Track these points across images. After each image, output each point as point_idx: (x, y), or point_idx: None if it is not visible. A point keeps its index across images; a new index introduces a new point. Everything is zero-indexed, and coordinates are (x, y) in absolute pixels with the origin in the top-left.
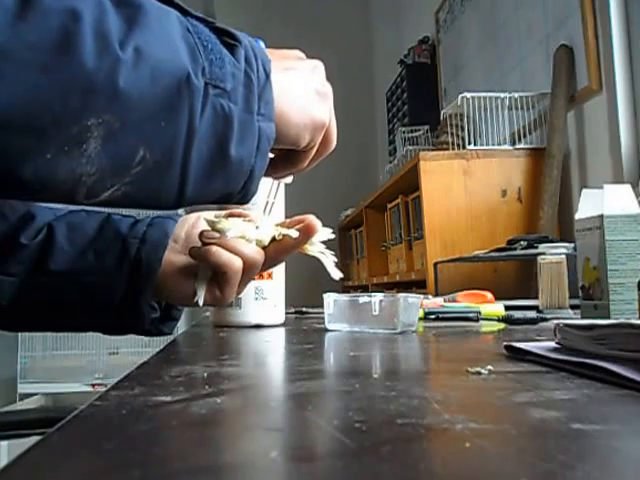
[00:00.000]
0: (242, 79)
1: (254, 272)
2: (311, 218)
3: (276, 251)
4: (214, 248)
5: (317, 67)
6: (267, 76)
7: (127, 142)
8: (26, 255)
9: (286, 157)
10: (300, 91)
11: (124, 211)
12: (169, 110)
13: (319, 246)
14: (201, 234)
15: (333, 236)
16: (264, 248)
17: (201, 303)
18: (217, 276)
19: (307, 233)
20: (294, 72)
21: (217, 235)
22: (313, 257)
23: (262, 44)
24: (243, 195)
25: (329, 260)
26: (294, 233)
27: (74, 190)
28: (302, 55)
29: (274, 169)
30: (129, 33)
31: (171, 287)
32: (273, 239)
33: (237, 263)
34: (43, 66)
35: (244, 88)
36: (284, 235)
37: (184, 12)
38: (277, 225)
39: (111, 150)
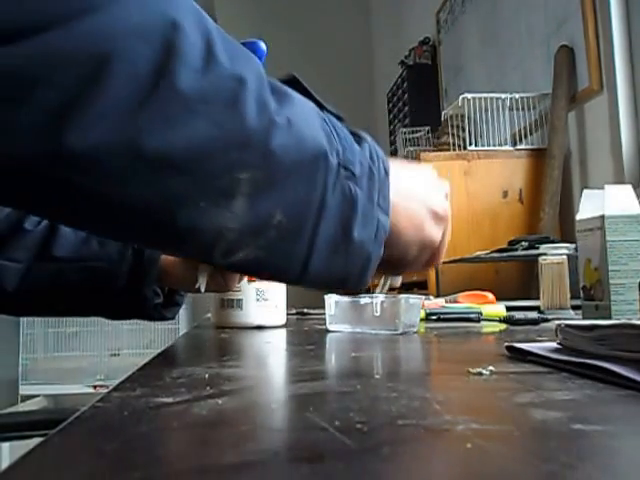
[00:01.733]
0: (367, 169)
1: None
2: None
3: None
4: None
5: (441, 187)
6: (386, 174)
7: (268, 203)
8: (30, 241)
9: (389, 262)
10: (418, 204)
11: None
12: (307, 180)
13: None
14: None
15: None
16: None
17: (203, 290)
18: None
19: None
20: (417, 184)
21: None
22: None
23: (262, 45)
24: (358, 281)
25: None
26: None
27: (214, 244)
28: (433, 173)
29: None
30: (281, 106)
31: (174, 273)
32: None
33: None
34: (215, 119)
35: (368, 178)
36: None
37: (321, 106)
38: None
39: (254, 209)
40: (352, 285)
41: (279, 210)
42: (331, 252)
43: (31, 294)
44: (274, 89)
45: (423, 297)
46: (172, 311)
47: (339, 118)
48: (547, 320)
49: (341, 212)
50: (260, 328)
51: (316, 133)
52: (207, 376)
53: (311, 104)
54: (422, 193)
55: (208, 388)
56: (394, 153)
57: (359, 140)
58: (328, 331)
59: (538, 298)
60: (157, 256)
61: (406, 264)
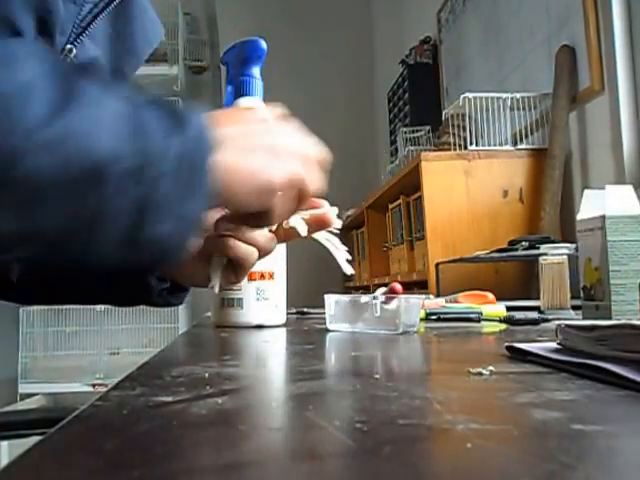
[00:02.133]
0: (175, 164)
1: (265, 257)
2: (328, 211)
3: (284, 236)
4: (232, 241)
5: (282, 125)
6: (204, 163)
7: (25, 220)
8: None
9: (256, 215)
10: (251, 154)
11: None
12: (73, 195)
13: (329, 236)
14: (217, 224)
15: (339, 224)
16: (271, 231)
17: (217, 291)
18: (231, 262)
19: (319, 226)
20: (250, 133)
21: (232, 225)
22: (322, 245)
23: (263, 43)
24: (153, 269)
25: (340, 253)
26: (302, 229)
27: None
28: (272, 113)
29: (246, 222)
30: (58, 116)
31: (183, 270)
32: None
33: (254, 255)
34: None
35: (177, 172)
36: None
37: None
38: None
39: (12, 222)
40: (150, 272)
41: (39, 226)
42: (116, 250)
43: (35, 283)
44: (62, 91)
45: (423, 297)
46: (179, 297)
47: (161, 103)
48: (547, 320)
49: (126, 216)
50: (260, 327)
51: (99, 142)
52: (207, 375)
53: (112, 100)
54: (255, 140)
55: (208, 387)
56: (394, 152)
57: (181, 126)
58: (328, 330)
59: (538, 298)
60: None
61: (266, 213)
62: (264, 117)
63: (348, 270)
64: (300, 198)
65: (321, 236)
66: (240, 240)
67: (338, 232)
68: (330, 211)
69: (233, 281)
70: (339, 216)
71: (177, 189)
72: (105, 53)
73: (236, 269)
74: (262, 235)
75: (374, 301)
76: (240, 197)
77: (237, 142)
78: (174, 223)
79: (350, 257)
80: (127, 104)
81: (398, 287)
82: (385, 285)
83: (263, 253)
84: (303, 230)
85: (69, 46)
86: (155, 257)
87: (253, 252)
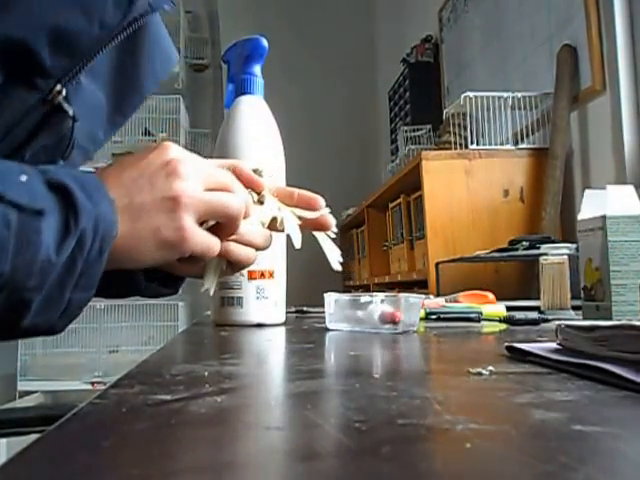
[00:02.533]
0: (58, 269)
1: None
2: (326, 214)
3: (276, 230)
4: (232, 246)
5: (172, 175)
6: (101, 253)
7: None
8: None
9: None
10: (140, 229)
11: None
12: None
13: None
14: (211, 230)
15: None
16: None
17: (211, 293)
18: (230, 263)
19: (317, 229)
20: (134, 200)
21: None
22: (316, 240)
23: (264, 42)
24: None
25: (331, 248)
26: (296, 236)
27: None
28: (163, 155)
29: (181, 270)
30: None
31: (176, 262)
32: (274, 219)
33: (253, 256)
34: None
35: (60, 274)
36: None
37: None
38: (282, 202)
39: None
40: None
41: None
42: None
43: None
44: None
45: (423, 296)
46: (174, 286)
47: (59, 189)
48: (547, 320)
49: (6, 314)
50: (260, 326)
51: None
52: (206, 374)
53: None
54: (148, 198)
55: (207, 386)
56: (395, 151)
57: (75, 216)
58: (327, 329)
59: (538, 298)
60: None
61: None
62: (163, 159)
63: (336, 265)
64: (223, 228)
65: (318, 234)
66: (239, 242)
67: (335, 236)
68: (328, 215)
69: (227, 274)
70: (337, 215)
71: (61, 286)
72: (105, 87)
73: (234, 268)
74: (260, 235)
75: (374, 300)
76: (142, 260)
77: (125, 210)
78: (59, 308)
79: (341, 259)
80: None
81: (400, 315)
82: (386, 285)
83: (260, 251)
84: (297, 241)
85: (58, 87)
86: (37, 335)
87: (252, 253)
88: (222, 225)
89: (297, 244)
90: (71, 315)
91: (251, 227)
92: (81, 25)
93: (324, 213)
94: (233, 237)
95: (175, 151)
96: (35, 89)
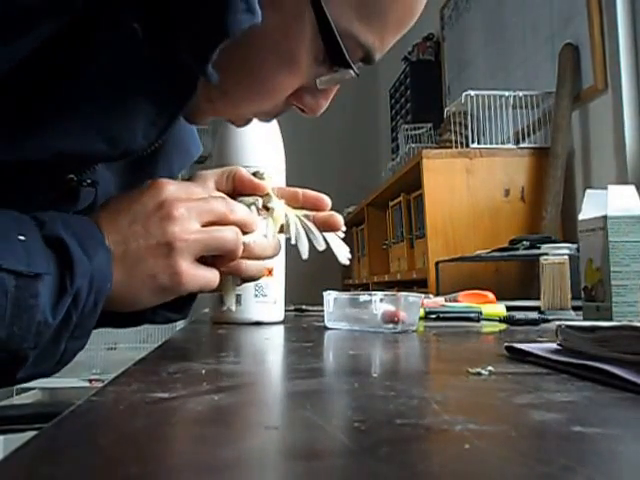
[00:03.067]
0: (55, 325)
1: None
2: (334, 214)
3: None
4: (244, 264)
5: (166, 219)
6: (95, 305)
7: None
8: None
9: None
10: (137, 276)
11: None
12: None
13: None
14: None
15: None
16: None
17: (234, 309)
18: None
19: (325, 228)
20: (129, 246)
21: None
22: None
23: None
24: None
25: (340, 245)
26: (303, 245)
27: None
28: (159, 195)
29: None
30: None
31: None
32: (281, 226)
33: (264, 269)
34: None
35: (55, 330)
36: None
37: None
38: (288, 205)
39: None
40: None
41: None
42: None
43: None
44: None
45: (423, 296)
46: (183, 310)
47: (56, 248)
48: (547, 321)
49: (1, 368)
50: (258, 324)
51: None
52: (204, 372)
53: None
54: (143, 243)
55: (205, 384)
56: (396, 150)
57: (71, 275)
58: (326, 328)
59: (539, 298)
60: None
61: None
62: (156, 201)
63: (344, 259)
64: (222, 258)
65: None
66: (250, 259)
67: (343, 235)
68: (336, 214)
69: (240, 285)
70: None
71: (57, 338)
72: (119, 181)
73: (246, 280)
74: (268, 247)
75: (373, 299)
76: (138, 304)
77: (122, 258)
78: (56, 357)
79: (350, 255)
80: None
81: (402, 314)
82: (386, 284)
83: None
84: (304, 252)
85: (71, 176)
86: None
87: (262, 265)
88: (221, 256)
89: (304, 254)
90: (66, 362)
91: (258, 239)
92: (103, 151)
93: (332, 213)
94: (244, 254)
95: (168, 190)
96: (47, 176)
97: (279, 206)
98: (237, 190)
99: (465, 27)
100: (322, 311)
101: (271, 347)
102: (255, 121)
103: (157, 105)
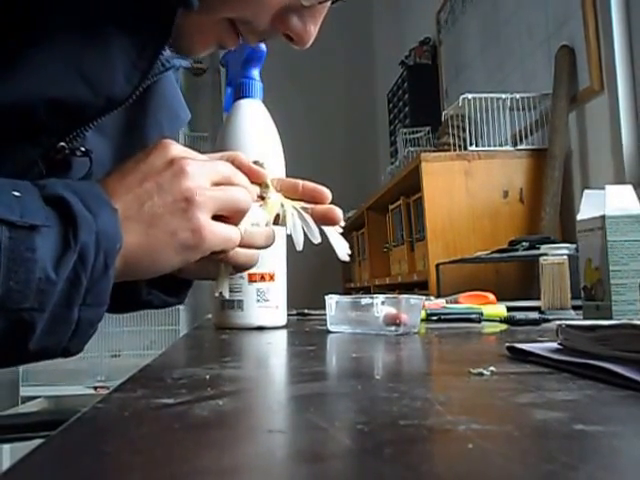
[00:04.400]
0: (61, 286)
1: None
2: (333, 207)
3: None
4: (232, 252)
5: (179, 175)
6: (106, 268)
7: None
8: None
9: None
10: (154, 236)
11: None
12: None
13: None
14: None
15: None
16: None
17: (227, 296)
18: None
19: (323, 222)
20: (142, 206)
21: None
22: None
23: (262, 45)
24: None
25: (338, 239)
26: (298, 237)
27: None
28: (165, 154)
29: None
30: None
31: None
32: (277, 215)
33: (255, 256)
34: None
35: (63, 291)
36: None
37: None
38: (286, 196)
39: None
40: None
41: None
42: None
43: None
44: None
45: (424, 297)
46: (179, 295)
47: (59, 206)
48: (548, 320)
49: (9, 336)
50: (261, 329)
51: None
52: (208, 377)
53: None
54: (158, 202)
55: (209, 389)
56: (394, 153)
57: (74, 230)
58: (329, 332)
59: (539, 298)
60: None
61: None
62: (165, 159)
63: (343, 254)
64: (228, 220)
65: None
66: (240, 247)
67: (342, 230)
68: (335, 208)
69: (233, 274)
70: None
71: (69, 301)
72: (110, 145)
73: (238, 269)
74: (261, 236)
75: (375, 302)
76: (161, 268)
77: (137, 217)
78: (69, 328)
79: (349, 251)
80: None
81: (404, 317)
82: (387, 286)
83: (264, 249)
84: (299, 243)
85: (61, 144)
86: (48, 358)
87: (253, 254)
88: (226, 218)
89: (299, 246)
90: (83, 335)
91: (251, 228)
92: (86, 98)
93: (332, 206)
94: None
95: (175, 148)
96: (38, 145)
97: (275, 196)
98: None
99: (461, 31)
100: (324, 315)
101: (274, 351)
102: (254, 125)
103: (137, 46)
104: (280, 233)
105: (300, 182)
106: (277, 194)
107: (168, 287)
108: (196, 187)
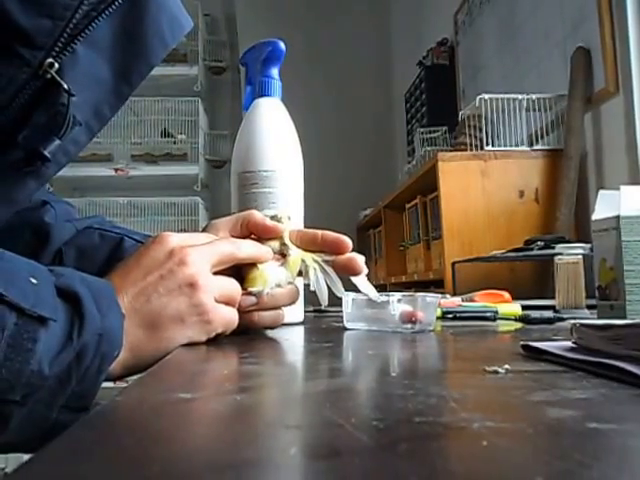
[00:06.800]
0: (49, 384)
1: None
2: (355, 256)
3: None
4: (256, 316)
5: (180, 265)
6: (99, 373)
7: None
8: None
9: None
10: (155, 335)
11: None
12: None
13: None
14: (240, 303)
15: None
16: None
17: None
18: None
19: (345, 272)
20: (143, 305)
21: (254, 300)
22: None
23: (282, 45)
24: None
25: (367, 287)
26: (322, 293)
27: None
28: (167, 247)
29: None
30: None
31: None
32: (299, 272)
33: (281, 317)
34: None
35: (49, 389)
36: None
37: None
38: (305, 251)
39: None
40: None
41: None
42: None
43: None
44: None
45: (440, 296)
46: None
47: (70, 299)
48: (562, 319)
49: None
50: (278, 325)
51: None
52: (226, 372)
53: None
54: (159, 301)
55: (227, 384)
56: (412, 153)
57: (80, 327)
58: (345, 329)
59: (554, 297)
60: None
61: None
62: (166, 250)
63: (377, 299)
64: (233, 301)
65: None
66: (264, 310)
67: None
68: (357, 256)
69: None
70: (355, 216)
71: (49, 403)
72: (108, 56)
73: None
74: (284, 296)
75: (391, 300)
76: (165, 353)
77: (144, 309)
78: (40, 427)
79: (378, 295)
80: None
81: (420, 314)
82: (403, 284)
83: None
84: (324, 299)
85: (49, 60)
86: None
87: (279, 314)
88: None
89: (324, 302)
90: (43, 437)
91: (274, 291)
92: None
93: (353, 256)
94: (257, 307)
95: (173, 240)
96: (25, 64)
97: (295, 252)
98: (254, 236)
99: (479, 32)
100: (341, 312)
101: (291, 347)
102: (273, 124)
103: None
104: (304, 267)
105: (319, 233)
106: (297, 250)
107: None
108: (198, 273)
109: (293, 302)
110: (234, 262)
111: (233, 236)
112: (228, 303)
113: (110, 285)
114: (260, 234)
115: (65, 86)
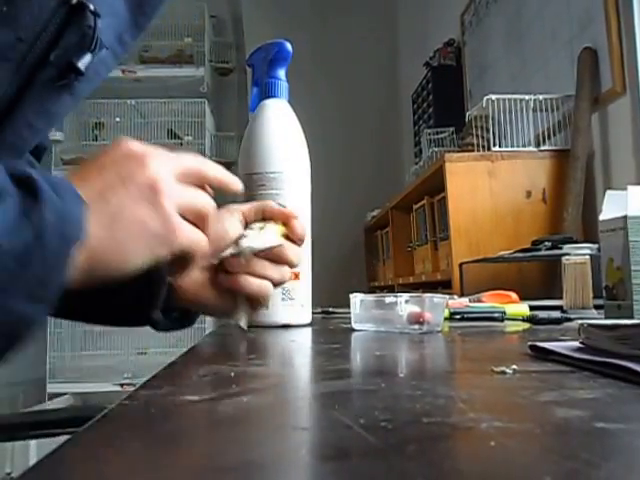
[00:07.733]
0: (7, 260)
1: (282, 285)
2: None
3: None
4: (243, 279)
5: (140, 165)
6: (63, 257)
7: None
8: None
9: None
10: (122, 225)
11: None
12: None
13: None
14: (228, 262)
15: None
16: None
17: (245, 327)
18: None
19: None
20: (115, 206)
21: (242, 261)
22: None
23: (288, 46)
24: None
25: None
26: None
27: None
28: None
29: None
30: None
31: (197, 299)
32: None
33: (269, 288)
34: None
35: (7, 267)
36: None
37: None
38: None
39: None
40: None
41: None
42: None
43: None
44: None
45: (447, 296)
46: (188, 321)
47: (21, 181)
48: (570, 319)
49: None
50: (286, 327)
51: None
52: (233, 374)
53: None
54: (125, 194)
55: (234, 386)
56: (419, 154)
57: (37, 204)
58: (353, 330)
59: (561, 298)
60: (164, 278)
61: (182, 257)
62: (122, 152)
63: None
64: (201, 218)
65: None
66: (252, 275)
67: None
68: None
69: (252, 311)
70: (362, 217)
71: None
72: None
73: (252, 302)
74: (274, 268)
75: (399, 300)
76: (130, 263)
77: (100, 208)
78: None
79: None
80: None
81: (427, 315)
82: (411, 285)
83: (278, 284)
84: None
85: None
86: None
87: (266, 286)
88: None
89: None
90: (8, 334)
91: (263, 261)
92: None
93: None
94: (245, 270)
95: (134, 144)
96: None
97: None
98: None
99: (485, 32)
100: (348, 313)
101: (299, 349)
102: (280, 125)
103: None
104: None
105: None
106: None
107: (177, 317)
108: (159, 176)
109: (282, 280)
110: (200, 179)
111: (246, 221)
112: (196, 220)
113: (66, 180)
114: (277, 218)
115: (91, 7)
